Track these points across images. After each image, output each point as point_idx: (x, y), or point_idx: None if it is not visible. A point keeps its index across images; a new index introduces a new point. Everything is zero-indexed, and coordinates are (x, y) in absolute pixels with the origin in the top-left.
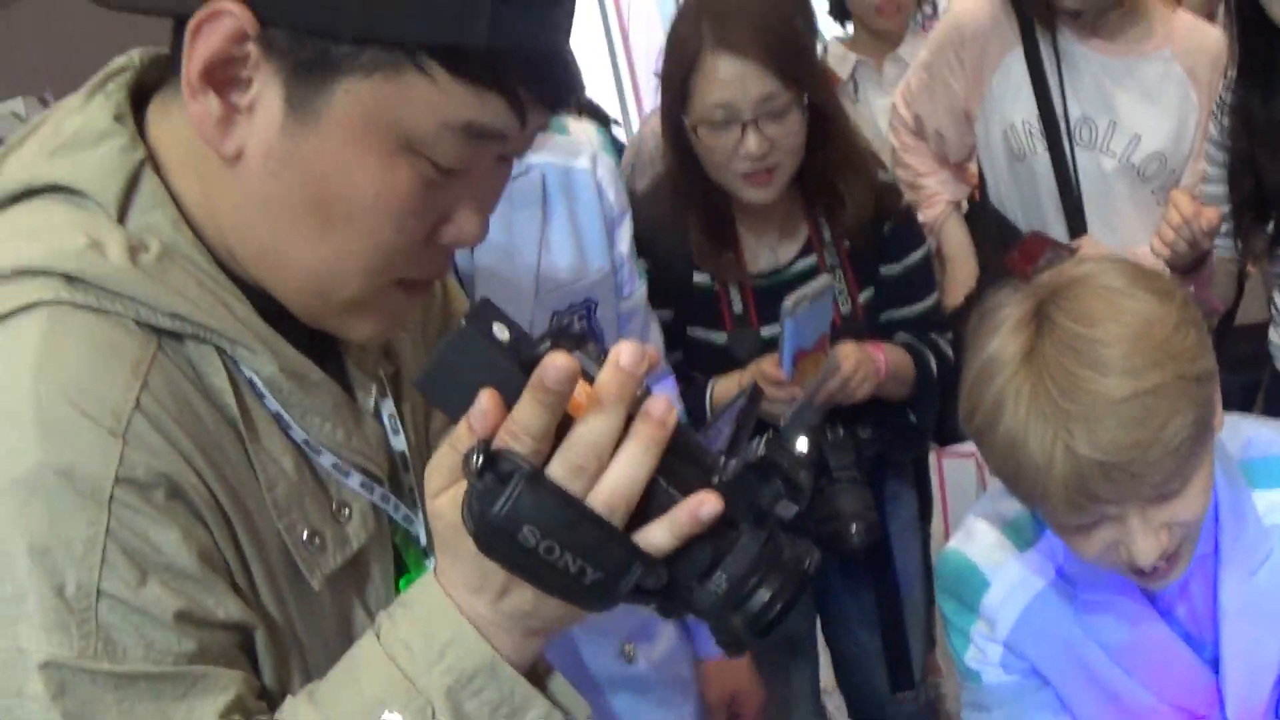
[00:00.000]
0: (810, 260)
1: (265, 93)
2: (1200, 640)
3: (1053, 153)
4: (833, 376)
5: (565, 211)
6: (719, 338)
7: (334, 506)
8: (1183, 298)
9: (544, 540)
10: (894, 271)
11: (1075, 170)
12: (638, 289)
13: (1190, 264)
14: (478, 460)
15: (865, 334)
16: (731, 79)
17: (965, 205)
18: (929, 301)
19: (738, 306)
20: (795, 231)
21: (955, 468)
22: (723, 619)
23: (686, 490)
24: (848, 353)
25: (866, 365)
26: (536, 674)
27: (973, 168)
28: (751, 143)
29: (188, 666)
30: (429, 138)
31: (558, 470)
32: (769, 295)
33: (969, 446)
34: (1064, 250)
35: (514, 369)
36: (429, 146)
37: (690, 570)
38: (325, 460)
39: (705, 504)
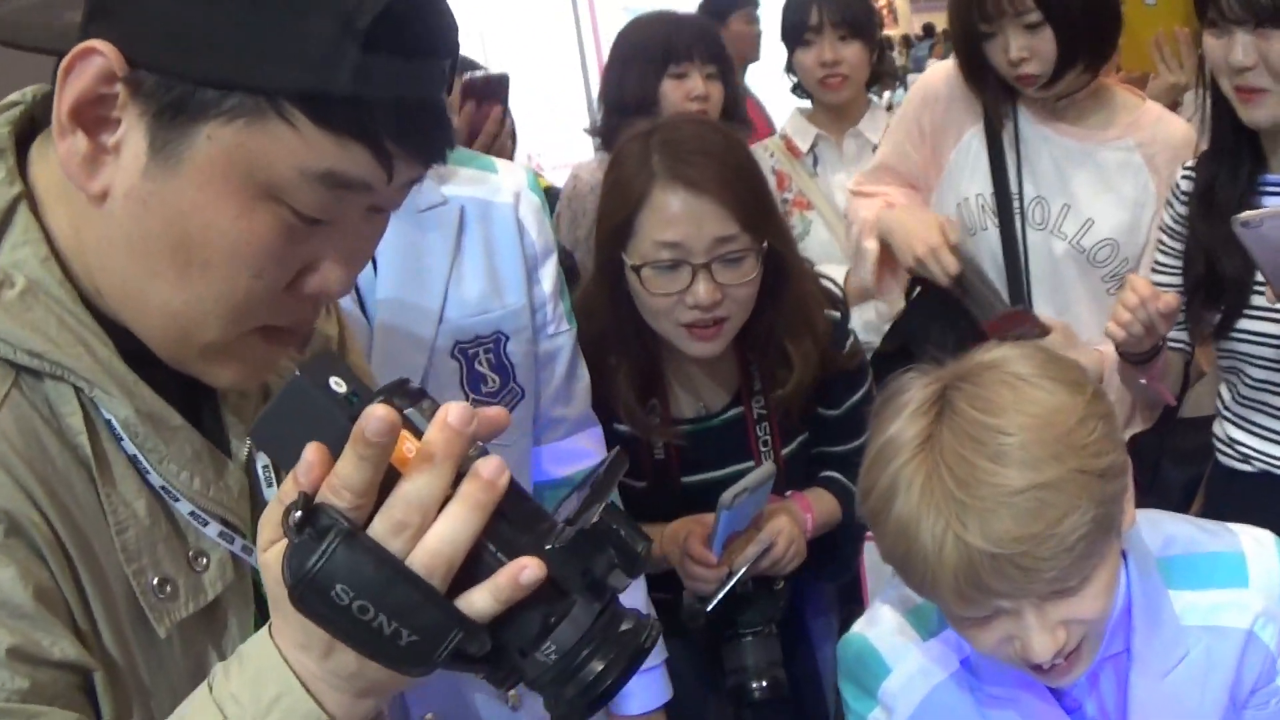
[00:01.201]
0: (738, 410)
1: (131, 134)
2: None
3: (1003, 229)
4: (764, 558)
5: (481, 244)
6: (638, 485)
7: (190, 554)
8: (1093, 391)
9: (357, 599)
10: (833, 414)
11: (1025, 248)
12: (564, 332)
13: (1144, 353)
14: (296, 514)
15: (784, 486)
16: (684, 216)
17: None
18: (860, 441)
19: (659, 453)
20: (725, 378)
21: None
22: (553, 690)
23: (515, 555)
24: (779, 529)
25: (799, 542)
26: None
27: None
28: (702, 290)
29: (20, 704)
30: (289, 185)
31: (379, 528)
32: (693, 442)
33: None
34: (1039, 329)
35: (345, 423)
36: (290, 194)
37: (519, 639)
38: (183, 508)
39: (526, 569)
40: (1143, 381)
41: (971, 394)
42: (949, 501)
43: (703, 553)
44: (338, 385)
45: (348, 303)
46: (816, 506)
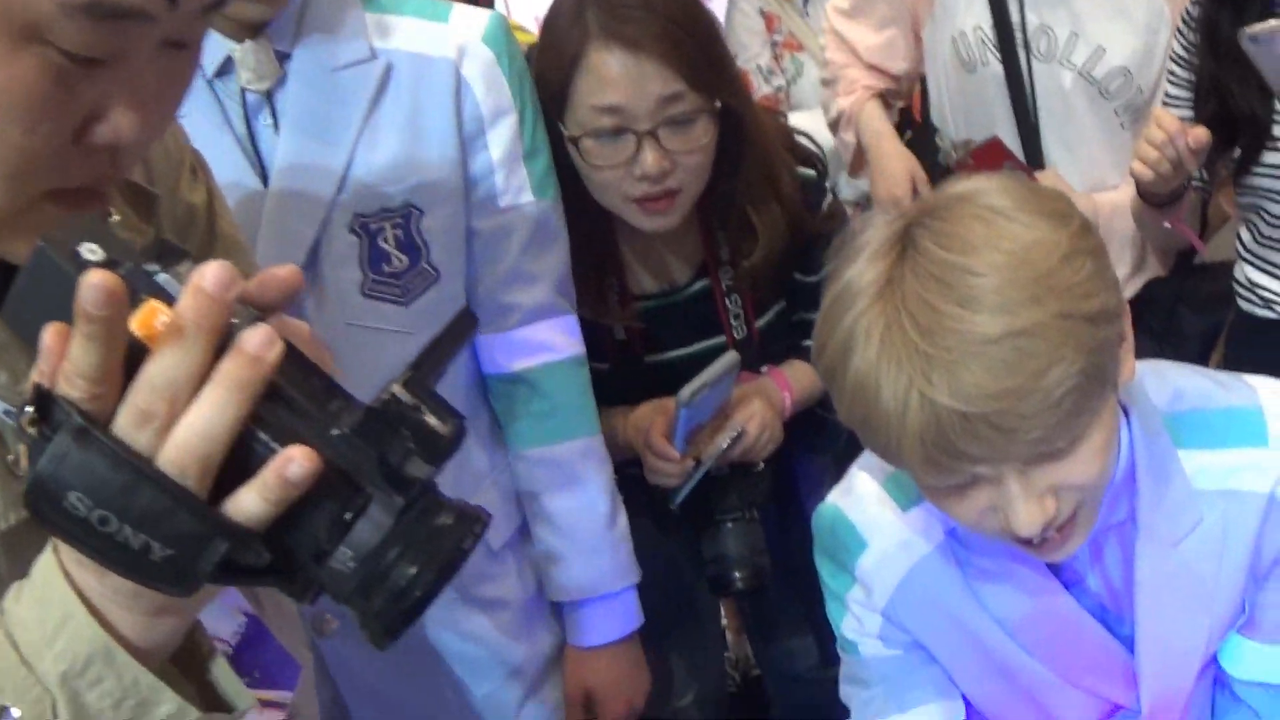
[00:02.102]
0: (704, 283)
1: None
2: (1116, 615)
3: (1006, 64)
4: (735, 446)
5: (406, 105)
6: (600, 368)
7: (10, 459)
8: (1080, 223)
9: (97, 509)
10: (811, 280)
11: (1031, 83)
12: (525, 204)
13: (1170, 194)
14: (29, 410)
15: (760, 360)
16: (624, 78)
17: (897, 114)
18: None
19: (620, 334)
20: (689, 250)
21: None
22: (359, 603)
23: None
24: (751, 414)
25: (773, 427)
26: (198, 657)
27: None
28: (649, 159)
29: None
30: (50, 21)
31: (122, 421)
32: (658, 319)
33: None
34: (1023, 171)
35: None
36: (53, 32)
37: (309, 544)
38: None
39: (293, 462)
40: (1166, 225)
41: (939, 230)
42: (912, 354)
43: (664, 446)
44: (91, 253)
45: (244, 167)
46: (795, 382)
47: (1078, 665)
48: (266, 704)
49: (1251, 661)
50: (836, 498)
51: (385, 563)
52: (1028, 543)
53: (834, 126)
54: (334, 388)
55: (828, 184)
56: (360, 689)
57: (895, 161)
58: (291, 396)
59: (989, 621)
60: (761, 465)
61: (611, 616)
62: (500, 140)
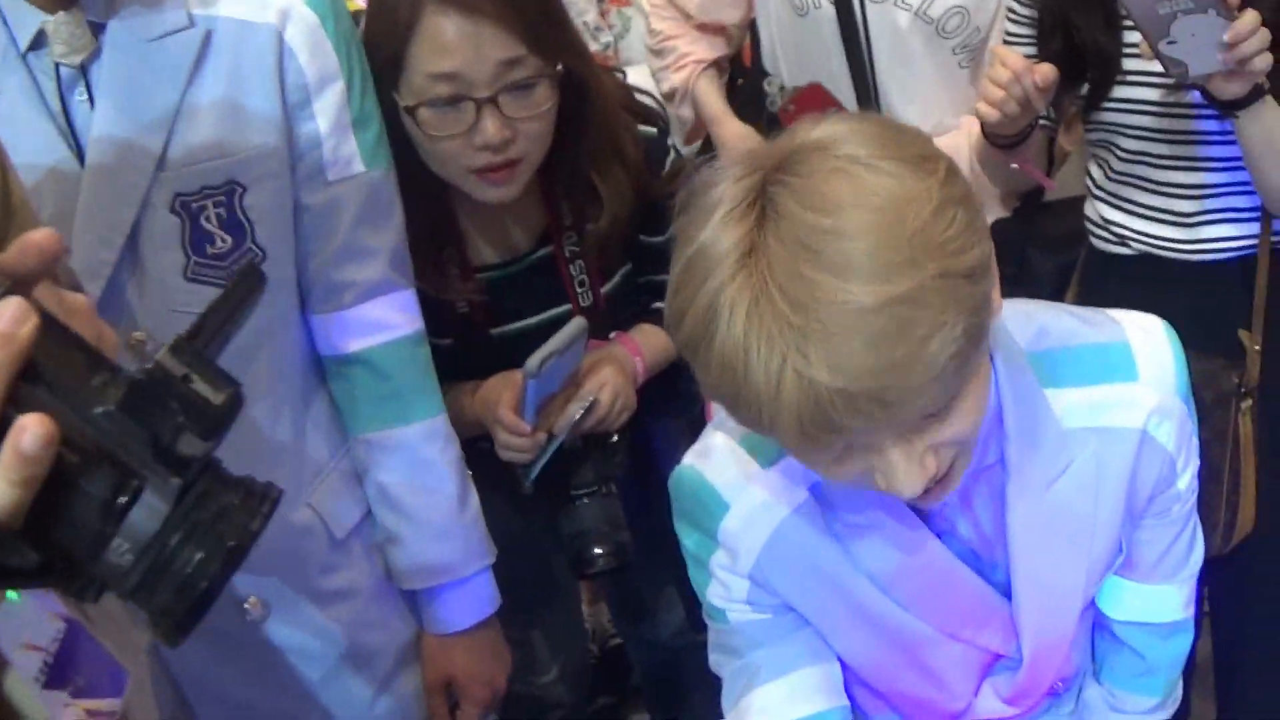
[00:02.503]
0: (547, 251)
1: None
2: (989, 562)
3: (839, 6)
4: (588, 416)
5: (226, 75)
6: (443, 344)
7: None
8: (946, 167)
9: None
10: (657, 241)
11: (865, 25)
12: (355, 175)
13: (1016, 135)
14: None
15: (608, 327)
16: (461, 42)
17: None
18: None
19: (463, 307)
20: (531, 217)
21: None
22: (144, 597)
23: None
24: (603, 382)
25: (626, 394)
26: None
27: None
28: (489, 127)
29: None
30: None
31: None
32: (501, 289)
33: None
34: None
35: None
36: None
37: (77, 538)
38: None
39: (25, 431)
40: (1014, 166)
41: (798, 188)
42: (784, 329)
43: (514, 420)
44: None
45: (59, 146)
46: (646, 347)
47: (954, 616)
48: (93, 713)
49: (1130, 602)
50: (693, 460)
51: (166, 551)
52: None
53: (668, 99)
54: (100, 361)
55: (670, 141)
56: (205, 691)
57: (738, 142)
58: (52, 374)
59: (860, 577)
60: (616, 436)
61: (467, 601)
62: (327, 109)
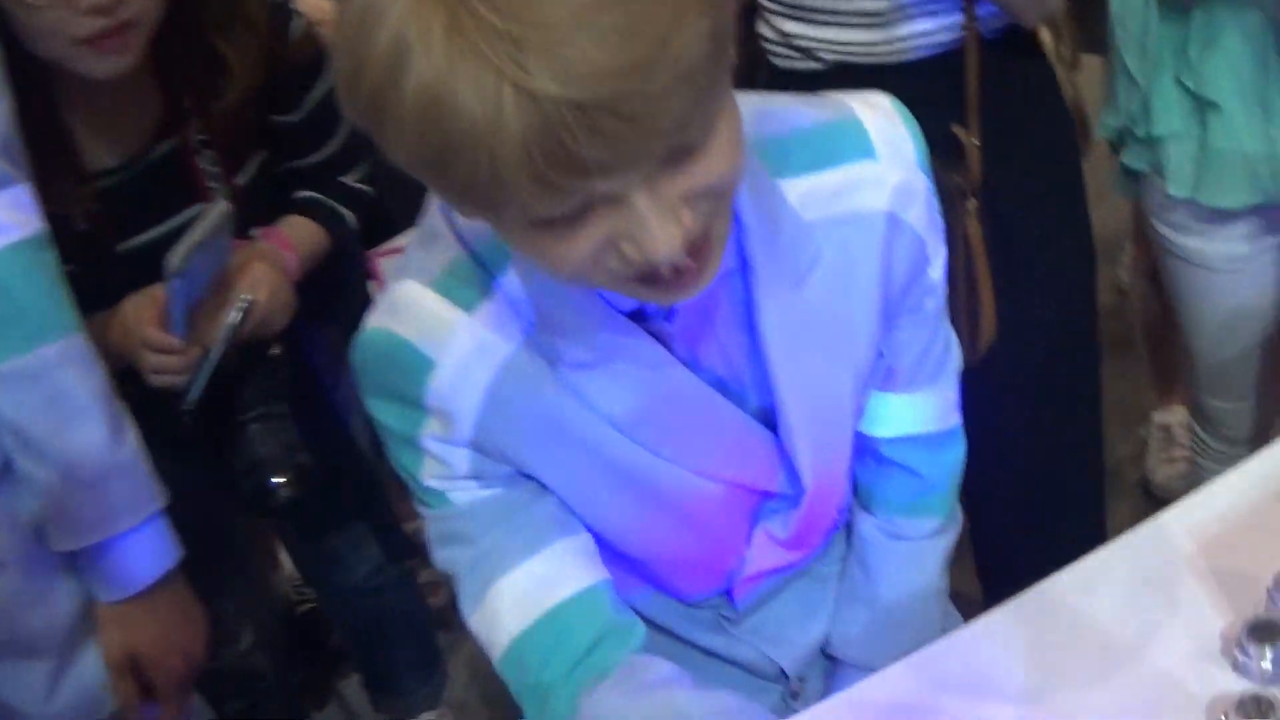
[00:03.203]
0: (171, 144)
1: None
2: (741, 388)
3: None
4: (247, 321)
5: None
6: (68, 268)
7: None
8: None
9: None
10: (293, 119)
11: None
12: None
13: None
14: None
15: (248, 223)
16: None
17: None
18: (334, 145)
19: (80, 224)
20: (146, 106)
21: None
22: None
23: None
24: (257, 280)
25: (283, 291)
26: None
27: None
28: None
29: None
30: None
31: None
32: (122, 197)
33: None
34: None
35: None
36: None
37: None
38: None
39: None
40: None
41: None
42: (494, 40)
43: (161, 337)
44: None
45: None
46: (296, 240)
47: (713, 455)
48: None
49: (896, 416)
50: (380, 319)
51: None
52: (656, 281)
53: None
54: None
55: (291, 4)
56: None
57: None
58: None
59: (599, 422)
60: (278, 350)
61: (140, 555)
62: None
